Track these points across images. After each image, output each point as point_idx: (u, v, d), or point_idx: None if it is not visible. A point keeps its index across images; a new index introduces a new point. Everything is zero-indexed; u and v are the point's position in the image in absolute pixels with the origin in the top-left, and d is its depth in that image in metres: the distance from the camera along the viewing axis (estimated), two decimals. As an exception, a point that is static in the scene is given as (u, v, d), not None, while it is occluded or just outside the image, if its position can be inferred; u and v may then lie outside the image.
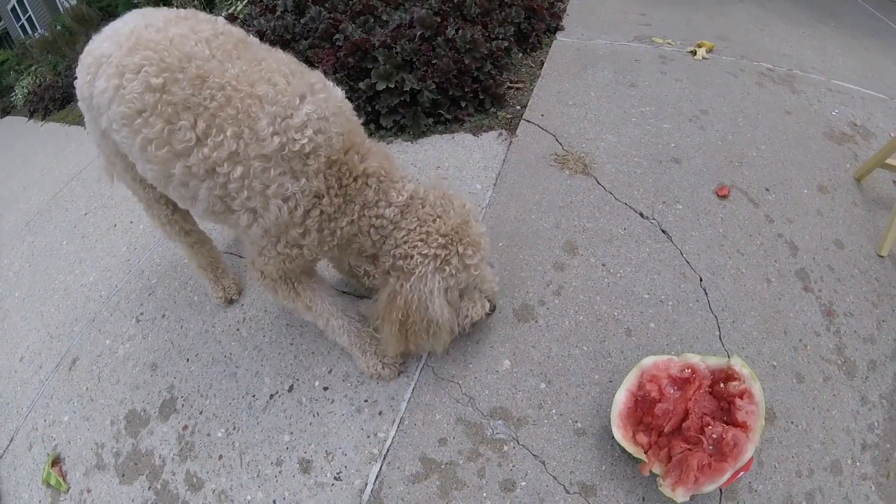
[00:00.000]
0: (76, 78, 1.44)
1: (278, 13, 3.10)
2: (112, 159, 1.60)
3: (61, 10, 13.96)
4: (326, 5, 3.03)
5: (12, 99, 7.97)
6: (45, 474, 1.87)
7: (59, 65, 7.35)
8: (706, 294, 1.83)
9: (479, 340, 1.70)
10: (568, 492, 1.41)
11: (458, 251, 1.35)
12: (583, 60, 3.02)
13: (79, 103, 1.50)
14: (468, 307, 1.49)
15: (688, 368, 1.45)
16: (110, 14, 9.66)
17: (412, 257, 1.33)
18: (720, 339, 1.71)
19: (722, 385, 1.42)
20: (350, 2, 2.93)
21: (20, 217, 3.92)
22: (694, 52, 3.14)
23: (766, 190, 2.24)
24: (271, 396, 1.74)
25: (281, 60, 1.28)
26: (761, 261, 1.96)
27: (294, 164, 1.19)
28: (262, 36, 2.91)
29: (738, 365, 1.42)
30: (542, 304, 1.78)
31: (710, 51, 3.17)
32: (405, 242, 1.34)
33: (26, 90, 7.22)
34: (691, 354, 1.49)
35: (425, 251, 1.32)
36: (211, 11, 4.58)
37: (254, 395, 1.77)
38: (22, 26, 17.70)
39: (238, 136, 1.17)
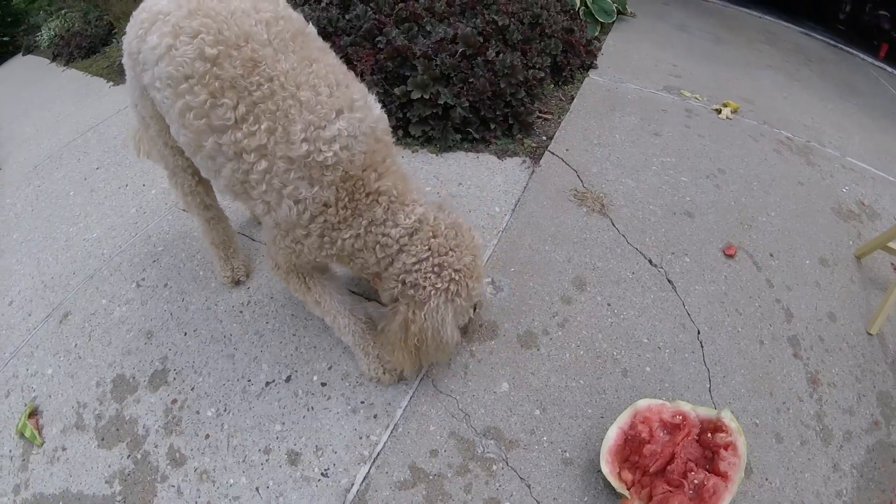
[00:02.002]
0: (124, 34, 1.45)
1: (323, 4, 3.14)
2: (147, 121, 1.61)
3: None
4: (372, 5, 3.08)
5: (37, 39, 7.88)
6: (21, 425, 1.85)
7: (91, 13, 7.28)
8: (702, 347, 1.89)
9: (482, 360, 1.75)
10: None
11: (467, 285, 1.42)
12: (612, 102, 3.10)
13: (123, 59, 1.51)
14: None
15: (679, 415, 1.52)
16: None
17: (424, 288, 1.38)
18: (710, 391, 1.78)
19: (709, 435, 1.49)
20: (396, 6, 2.99)
21: (29, 158, 3.88)
22: (719, 111, 3.23)
23: (771, 255, 2.31)
24: (267, 384, 1.76)
25: (331, 67, 1.33)
26: (757, 322, 2.03)
27: (313, 172, 1.24)
28: (304, 25, 2.95)
29: (727, 418, 1.49)
30: (545, 334, 1.83)
31: (734, 111, 3.26)
32: (416, 271, 1.39)
33: (53, 32, 7.14)
34: (684, 402, 1.56)
35: (439, 284, 1.38)
36: None
37: (249, 380, 1.79)
38: None
39: (271, 132, 1.22)
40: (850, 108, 4.07)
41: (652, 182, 2.54)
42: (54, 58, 6.54)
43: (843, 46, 5.54)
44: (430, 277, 1.38)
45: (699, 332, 1.93)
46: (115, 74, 4.81)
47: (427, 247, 1.39)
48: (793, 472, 1.65)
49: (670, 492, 1.38)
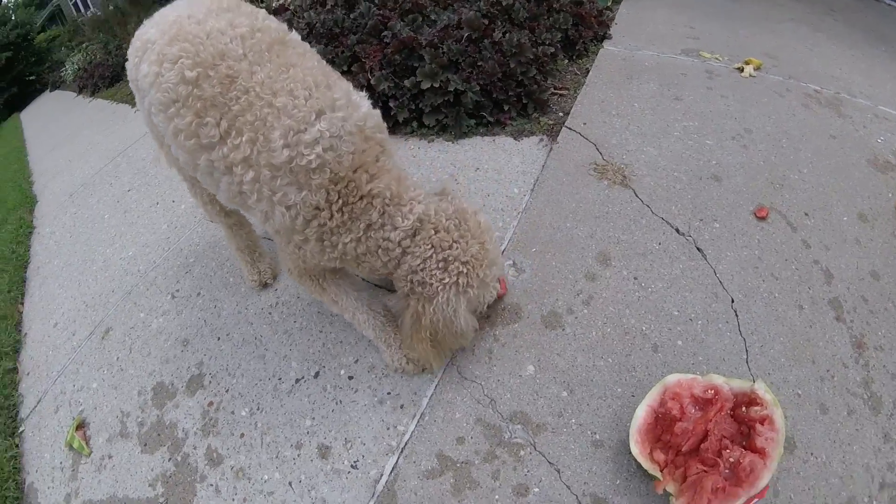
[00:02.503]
0: (127, 60, 1.53)
1: (328, 6, 3.16)
2: (159, 139, 1.68)
3: None
4: (376, 1, 3.08)
5: (62, 74, 8.28)
6: (69, 437, 1.96)
7: (110, 44, 7.60)
8: (736, 316, 1.80)
9: (505, 343, 1.72)
10: (580, 502, 1.41)
11: (478, 275, 1.41)
12: (628, 71, 3.00)
13: (133, 87, 1.60)
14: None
15: (711, 389, 1.44)
16: None
17: (431, 285, 1.37)
18: (747, 362, 1.68)
19: (744, 409, 1.40)
20: (400, 2, 2.98)
21: (64, 188, 4.07)
22: (741, 69, 3.08)
23: (806, 215, 2.18)
24: (297, 381, 1.79)
25: (310, 70, 1.33)
26: (795, 286, 1.91)
27: (300, 177, 1.25)
28: (311, 29, 2.97)
29: (761, 390, 1.40)
30: (570, 313, 1.79)
31: (757, 68, 3.11)
32: (422, 270, 1.38)
33: (76, 66, 7.50)
34: (716, 375, 1.47)
35: (446, 279, 1.37)
36: (264, 1, 4.67)
37: (280, 378, 1.82)
38: (75, 4, 18.42)
39: (253, 143, 1.25)
40: (880, 56, 3.84)
41: (675, 148, 2.44)
42: (80, 90, 6.86)
43: None
44: (436, 274, 1.37)
45: (733, 301, 1.84)
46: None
47: (430, 244, 1.38)
48: (840, 445, 1.54)
49: (705, 472, 1.31)
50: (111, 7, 8.89)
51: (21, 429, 2.18)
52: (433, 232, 1.38)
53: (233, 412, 1.79)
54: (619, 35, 3.42)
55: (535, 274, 1.92)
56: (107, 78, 6.42)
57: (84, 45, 8.36)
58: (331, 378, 1.76)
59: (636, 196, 2.20)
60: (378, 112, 1.41)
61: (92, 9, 16.43)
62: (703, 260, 1.96)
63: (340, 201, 1.30)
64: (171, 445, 1.79)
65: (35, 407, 2.20)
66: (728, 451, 1.33)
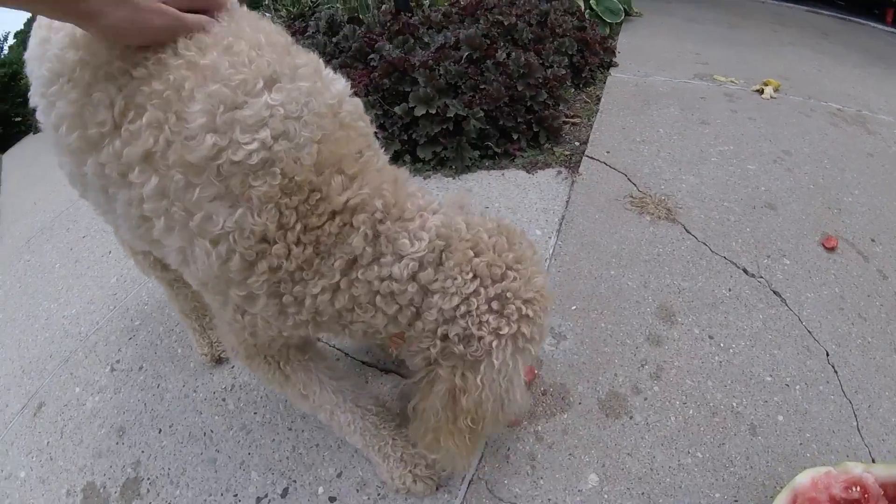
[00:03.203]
0: None
1: (310, 32, 2.65)
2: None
3: None
4: (362, 26, 2.58)
5: None
6: None
7: None
8: (836, 372, 1.29)
9: (553, 444, 1.12)
10: None
11: (540, 318, 0.80)
12: (644, 96, 2.53)
13: None
14: None
15: (855, 485, 0.92)
16: None
17: (481, 339, 0.76)
18: (858, 430, 1.19)
19: None
20: (388, 22, 2.48)
21: (24, 232, 3.46)
22: (761, 91, 2.67)
23: (872, 241, 1.74)
24: (258, 500, 1.17)
25: (262, 29, 0.76)
26: (885, 326, 1.45)
27: (232, 183, 0.67)
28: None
29: None
30: (637, 393, 1.21)
31: (776, 89, 2.70)
32: (465, 315, 0.76)
33: None
34: (853, 464, 0.97)
35: (504, 330, 0.76)
36: None
37: (236, 495, 1.19)
38: None
39: (157, 126, 0.68)
40: (882, 73, 3.58)
41: (716, 175, 1.94)
42: None
43: (851, 18, 5.18)
44: (488, 321, 0.75)
45: (828, 354, 1.33)
46: None
47: (472, 273, 0.76)
48: None
49: None
50: None
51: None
52: (472, 254, 0.77)
53: None
54: (625, 62, 2.97)
55: (580, 341, 1.34)
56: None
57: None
58: (304, 498, 1.14)
59: (688, 232, 1.66)
60: (359, 100, 0.83)
61: None
62: (784, 305, 1.44)
63: (300, 224, 0.71)
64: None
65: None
66: None
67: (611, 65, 2.81)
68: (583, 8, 3.26)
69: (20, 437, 1.69)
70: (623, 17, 3.57)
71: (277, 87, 0.69)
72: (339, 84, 0.80)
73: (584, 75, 2.59)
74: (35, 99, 0.80)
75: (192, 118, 0.65)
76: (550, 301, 0.83)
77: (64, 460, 1.52)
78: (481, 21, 2.38)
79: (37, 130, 7.70)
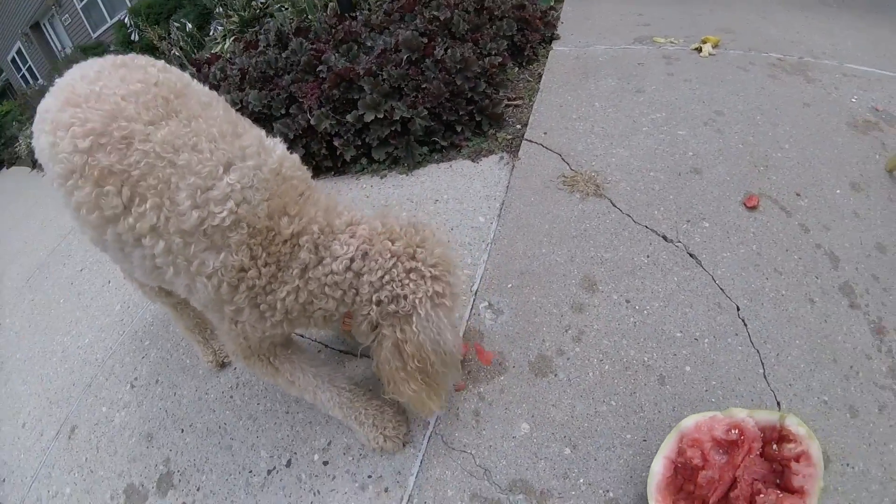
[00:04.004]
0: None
1: (261, 48, 2.92)
2: None
3: (59, 58, 14.17)
4: (309, 36, 2.84)
5: (17, 149, 7.95)
6: None
7: None
8: (745, 325, 1.58)
9: (493, 402, 1.47)
10: None
11: (448, 281, 1.16)
12: (583, 69, 2.79)
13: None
14: None
15: (735, 429, 1.22)
16: None
17: (405, 297, 1.12)
18: (765, 377, 1.47)
19: (775, 447, 1.19)
20: (333, 30, 2.74)
21: (22, 273, 3.80)
22: (699, 49, 2.89)
23: (798, 195, 1.98)
24: (269, 472, 1.54)
25: (215, 119, 1.14)
26: (801, 278, 1.70)
27: (214, 239, 1.05)
28: (244, 75, 2.72)
29: (792, 425, 1.19)
30: (561, 354, 1.55)
31: (715, 46, 2.92)
32: (389, 282, 1.12)
33: (30, 140, 7.19)
34: (737, 409, 1.26)
35: (420, 289, 1.12)
36: (199, 52, 4.45)
37: (251, 471, 1.57)
38: (23, 76, 17.88)
39: (158, 209, 1.06)
40: (833, 12, 3.72)
41: (646, 145, 2.22)
42: (34, 165, 6.57)
43: None
44: (408, 284, 1.12)
45: (739, 309, 1.62)
46: None
47: (390, 253, 1.13)
48: (875, 448, 1.34)
49: None
50: (56, 76, 8.58)
51: (3, 540, 1.93)
52: (390, 242, 1.14)
53: None
54: (568, 33, 3.20)
55: (515, 314, 1.68)
56: (59, 151, 6.13)
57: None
58: (304, 466, 1.51)
59: (613, 205, 1.97)
60: (296, 156, 1.21)
61: (40, 80, 15.87)
62: (699, 267, 1.74)
63: (264, 254, 1.08)
64: (149, 553, 1.51)
65: (13, 517, 1.95)
66: (762, 495, 1.14)
67: (552, 38, 3.06)
68: (524, -22, 3.48)
69: (59, 459, 2.05)
70: None
71: (233, 169, 1.06)
72: (278, 149, 1.18)
73: (526, 53, 2.86)
74: (56, 188, 1.16)
75: (181, 202, 1.02)
76: (451, 264, 1.18)
77: (103, 470, 1.89)
78: (418, 19, 2.63)
79: (9, 165, 7.96)
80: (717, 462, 1.20)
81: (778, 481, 1.18)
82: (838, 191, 2.00)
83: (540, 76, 2.74)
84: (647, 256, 1.78)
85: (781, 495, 1.13)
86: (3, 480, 2.17)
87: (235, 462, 1.61)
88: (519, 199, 2.07)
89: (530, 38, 2.89)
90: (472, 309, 1.74)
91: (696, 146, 2.19)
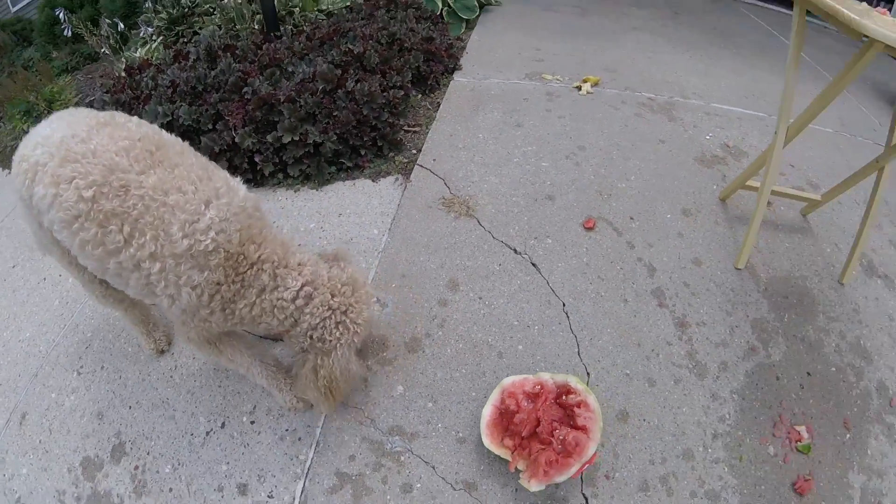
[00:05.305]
0: (15, 173, 1.73)
1: (191, 61, 3.50)
2: (49, 247, 1.96)
3: None
4: (237, 52, 3.45)
5: None
6: None
7: None
8: (567, 317, 2.36)
9: (377, 371, 2.21)
10: (454, 489, 1.91)
11: (363, 318, 1.81)
12: (476, 101, 3.57)
13: (16, 195, 1.80)
14: None
15: (538, 385, 1.99)
16: (24, 38, 9.66)
17: (330, 342, 1.75)
18: (579, 355, 2.23)
19: (564, 397, 1.95)
20: (259, 50, 3.37)
21: (-53, 271, 4.11)
22: (579, 87, 3.69)
23: (631, 219, 2.76)
24: (207, 433, 2.17)
25: (191, 166, 1.68)
26: (620, 284, 2.47)
27: (199, 260, 1.60)
28: (174, 87, 3.30)
29: (573, 382, 1.96)
30: (428, 337, 2.31)
31: (595, 84, 3.73)
32: (322, 328, 1.75)
33: None
34: (544, 373, 2.03)
35: (343, 338, 1.76)
36: (124, 49, 4.87)
37: (192, 434, 2.19)
38: None
39: (156, 239, 1.57)
40: (719, 54, 4.55)
41: (514, 174, 3.01)
42: None
43: None
44: (334, 333, 1.75)
45: (564, 305, 2.40)
46: (7, 160, 4.96)
47: (328, 307, 1.75)
48: (670, 409, 2.06)
49: (542, 449, 1.83)
50: None
51: (-41, 525, 2.31)
52: (330, 297, 1.76)
53: (157, 471, 2.15)
54: (470, 64, 3.97)
55: (396, 307, 2.42)
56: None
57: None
58: (236, 426, 2.17)
59: (479, 224, 2.74)
60: (255, 195, 1.78)
61: None
62: (538, 273, 2.53)
63: (234, 273, 1.62)
64: (110, 512, 2.08)
65: (-31, 502, 2.37)
66: (557, 430, 1.85)
67: (454, 69, 3.82)
68: (440, 7, 4.21)
69: (13, 444, 2.51)
70: (479, 11, 4.53)
71: (212, 206, 1.60)
72: (241, 190, 1.74)
73: (429, 83, 3.60)
74: (59, 230, 1.67)
75: (174, 233, 1.53)
76: (371, 322, 1.85)
77: (58, 449, 2.39)
78: (334, 51, 3.31)
79: None
80: (526, 408, 1.94)
81: (571, 423, 1.90)
82: (668, 215, 2.79)
83: (438, 105, 3.50)
84: (499, 265, 2.56)
85: (570, 430, 1.85)
86: (-48, 474, 2.53)
87: (178, 428, 2.22)
88: (406, 216, 2.81)
89: (434, 69, 3.64)
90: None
91: (554, 176, 3.00)
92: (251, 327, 1.82)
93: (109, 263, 1.63)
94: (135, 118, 1.81)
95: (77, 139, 1.61)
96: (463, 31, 4.35)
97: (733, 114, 3.63)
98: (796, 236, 2.77)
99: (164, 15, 4.74)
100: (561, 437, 1.83)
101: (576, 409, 1.88)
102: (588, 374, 2.18)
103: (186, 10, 4.72)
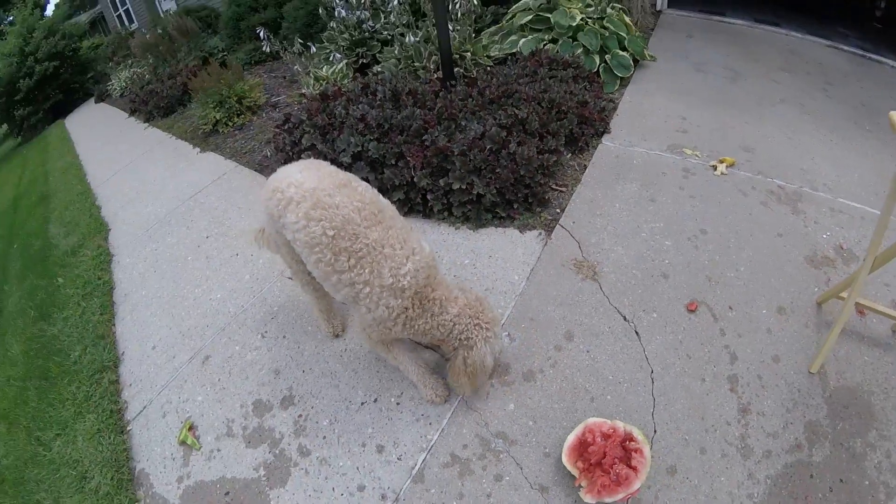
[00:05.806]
0: (268, 196, 2.71)
1: (378, 100, 4.78)
2: (279, 247, 3.13)
3: (160, 10, 17.00)
4: (418, 96, 4.70)
5: (108, 88, 10.28)
6: (182, 436, 3.25)
7: (160, 68, 9.52)
8: (652, 382, 3.14)
9: (498, 389, 3.27)
10: (532, 488, 2.82)
11: (494, 332, 2.85)
12: (618, 169, 4.54)
13: (265, 211, 2.80)
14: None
15: (612, 429, 2.87)
16: (209, 25, 12.02)
17: (472, 338, 2.67)
18: (652, 414, 2.92)
19: (628, 442, 2.64)
20: (436, 100, 4.59)
21: (138, 221, 5.57)
22: (715, 167, 4.49)
23: (730, 308, 3.39)
24: (362, 403, 3.29)
25: (400, 230, 2.59)
26: (703, 364, 3.12)
27: (397, 293, 2.51)
28: (364, 121, 4.58)
29: (636, 433, 2.81)
30: (541, 372, 3.32)
31: (730, 166, 4.49)
32: (467, 332, 2.66)
33: (123, 83, 9.37)
34: (619, 421, 2.84)
35: (478, 335, 2.67)
36: (310, 65, 6.23)
37: (350, 401, 3.31)
38: (119, 16, 22.43)
39: (371, 273, 2.48)
40: (860, 137, 5.03)
41: (639, 248, 3.94)
42: (132, 112, 8.58)
43: (872, 55, 6.53)
44: (474, 332, 2.65)
45: (652, 371, 3.11)
46: (199, 140, 6.57)
47: (468, 317, 2.66)
48: (710, 476, 2.62)
49: (602, 475, 2.63)
50: (159, 31, 10.87)
51: (129, 428, 3.47)
52: (469, 311, 2.67)
53: (317, 422, 3.26)
54: (618, 128, 4.94)
55: (521, 343, 3.47)
56: (162, 108, 8.24)
57: (129, 62, 10.25)
58: (385, 403, 3.28)
59: (601, 289, 3.73)
60: (433, 251, 2.84)
61: (136, 23, 20.14)
62: (638, 341, 3.43)
63: (418, 303, 2.59)
64: (271, 443, 3.11)
65: (141, 412, 3.51)
66: (616, 465, 2.62)
67: (604, 132, 4.84)
68: (597, 64, 5.23)
69: (192, 377, 3.57)
70: (633, 70, 5.48)
71: (410, 259, 2.59)
72: (427, 248, 2.71)
73: (580, 144, 4.65)
74: (301, 247, 2.67)
75: (384, 273, 2.48)
76: (496, 322, 2.91)
77: (234, 388, 3.55)
78: (501, 113, 4.46)
79: (98, 100, 10.19)
80: (599, 443, 2.85)
81: (627, 462, 2.76)
82: (764, 311, 3.45)
83: (585, 167, 4.53)
84: (609, 327, 3.52)
85: (625, 468, 2.73)
86: (129, 385, 3.71)
87: (340, 395, 3.36)
88: (543, 270, 3.85)
89: (586, 131, 4.69)
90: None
91: (673, 256, 3.88)
92: (418, 337, 2.79)
93: (332, 278, 2.58)
94: (363, 183, 2.74)
95: (325, 193, 2.53)
96: (617, 88, 5.32)
97: (857, 212, 4.09)
98: (878, 351, 3.26)
99: (346, 36, 6.06)
100: (617, 471, 2.57)
101: (633, 453, 2.62)
102: (655, 430, 2.86)
103: (367, 34, 5.99)
